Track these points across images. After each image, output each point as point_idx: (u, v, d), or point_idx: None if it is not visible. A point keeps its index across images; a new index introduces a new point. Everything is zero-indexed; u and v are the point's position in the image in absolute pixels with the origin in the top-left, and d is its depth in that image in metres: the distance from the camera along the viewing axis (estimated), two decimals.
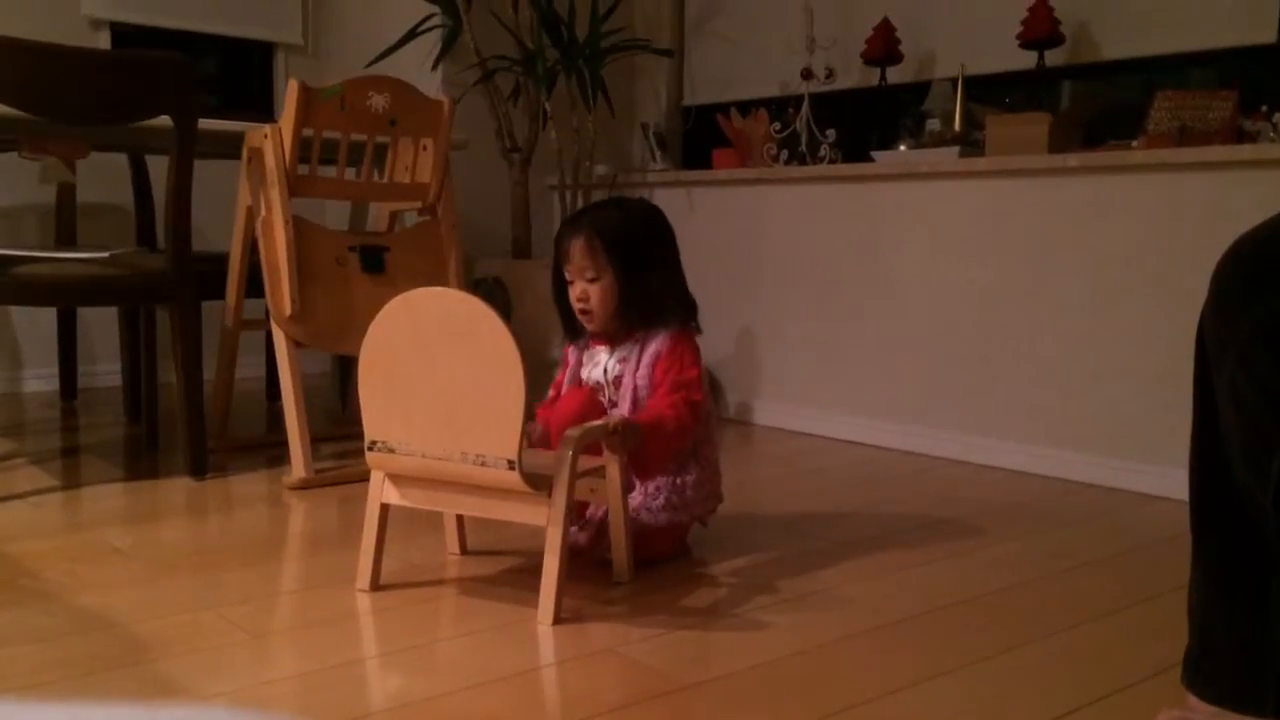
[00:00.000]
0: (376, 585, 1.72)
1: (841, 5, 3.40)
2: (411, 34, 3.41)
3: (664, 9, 3.96)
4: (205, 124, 2.43)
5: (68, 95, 2.23)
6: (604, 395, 1.92)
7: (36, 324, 3.58)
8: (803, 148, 3.33)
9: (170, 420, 2.80)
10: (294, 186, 2.44)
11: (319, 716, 1.27)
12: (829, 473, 2.74)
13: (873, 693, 1.37)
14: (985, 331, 2.83)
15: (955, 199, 2.88)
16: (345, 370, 3.23)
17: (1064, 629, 1.62)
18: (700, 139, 3.89)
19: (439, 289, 1.63)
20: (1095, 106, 2.93)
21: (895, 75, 3.27)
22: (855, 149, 3.27)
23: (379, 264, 2.57)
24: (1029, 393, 2.74)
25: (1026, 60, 2.92)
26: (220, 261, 2.71)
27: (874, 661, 1.48)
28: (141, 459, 2.69)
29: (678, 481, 1.87)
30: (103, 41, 3.71)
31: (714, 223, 3.44)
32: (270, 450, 2.74)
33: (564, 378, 1.99)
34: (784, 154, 3.37)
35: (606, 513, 1.82)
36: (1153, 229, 2.51)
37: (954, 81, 3.00)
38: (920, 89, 3.18)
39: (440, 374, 1.57)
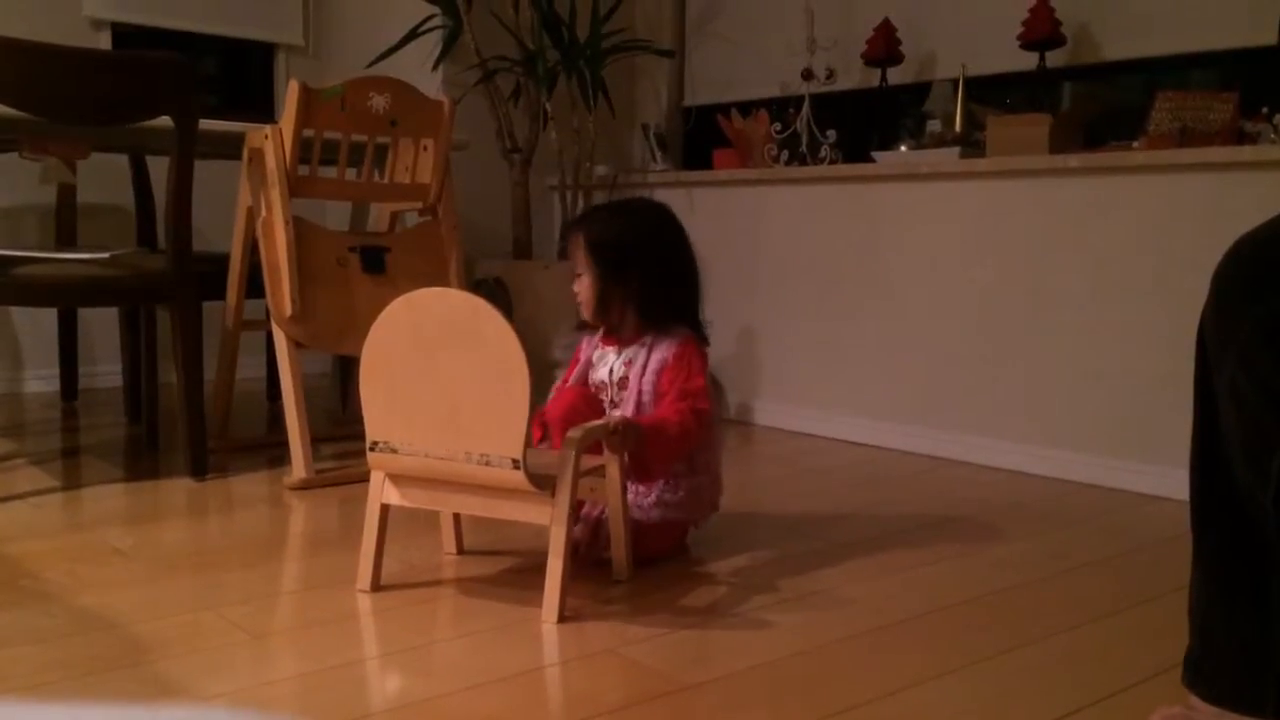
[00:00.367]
0: (377, 586, 1.72)
1: (842, 6, 3.40)
2: (412, 34, 3.41)
3: (665, 10, 3.96)
4: (206, 124, 2.43)
5: (68, 96, 2.23)
6: (607, 396, 1.92)
7: (37, 325, 3.58)
8: (803, 148, 3.33)
9: (171, 421, 2.80)
10: (294, 187, 2.44)
11: (320, 717, 1.27)
12: (829, 473, 2.74)
13: (874, 693, 1.37)
14: (986, 332, 2.83)
15: (956, 200, 2.88)
16: (345, 371, 3.23)
17: (1065, 629, 1.62)
18: (701, 139, 3.89)
19: (441, 289, 1.63)
20: (1096, 107, 2.93)
21: (896, 76, 3.27)
22: (856, 150, 3.27)
23: (380, 264, 2.57)
24: (1029, 393, 2.74)
25: (1027, 61, 2.92)
26: (221, 262, 2.71)
27: (875, 662, 1.48)
28: (142, 459, 2.69)
29: (671, 482, 1.88)
30: (104, 42, 3.72)
31: (714, 223, 3.44)
32: (271, 451, 2.74)
33: (571, 374, 1.99)
34: (784, 154, 3.37)
35: (603, 512, 1.82)
36: (1153, 230, 2.51)
37: (955, 82, 3.00)
38: (921, 90, 3.18)
39: (443, 374, 1.57)
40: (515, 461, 1.54)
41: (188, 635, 1.51)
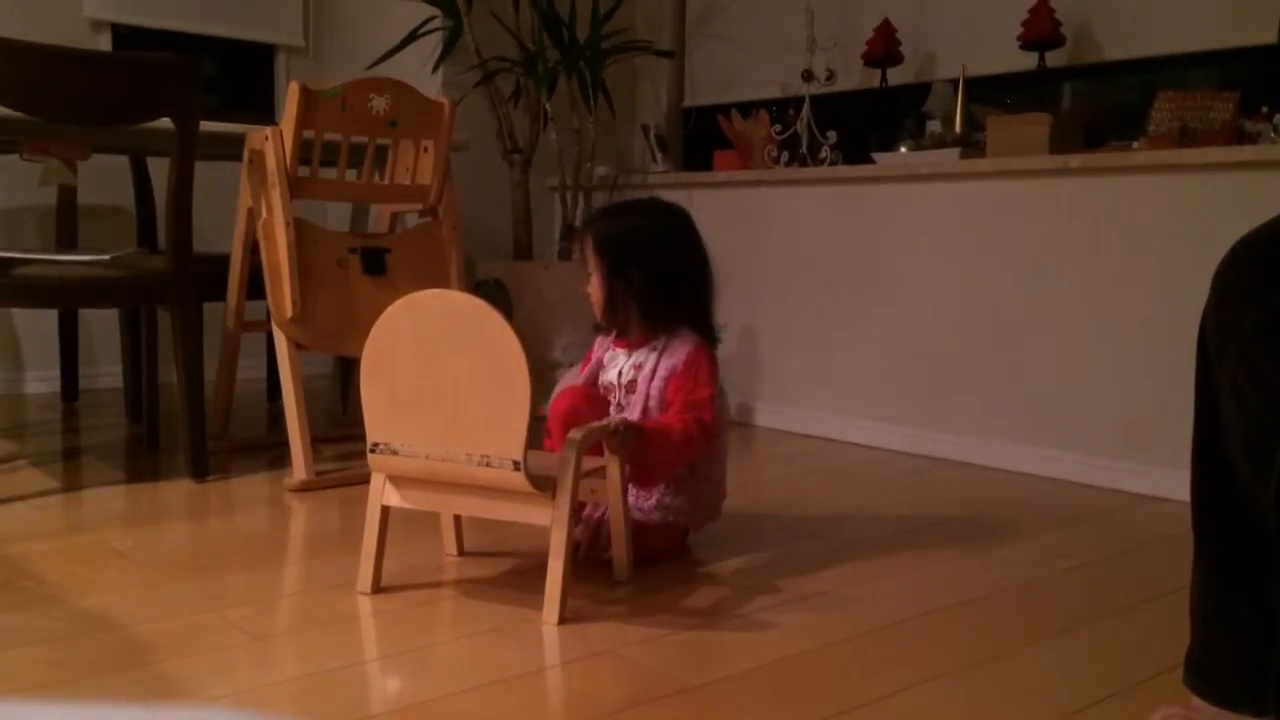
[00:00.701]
0: (377, 587, 1.72)
1: (842, 7, 3.40)
2: (412, 36, 3.41)
3: (665, 10, 3.97)
4: (206, 126, 2.43)
5: (69, 97, 2.23)
6: (615, 398, 1.92)
7: (37, 326, 3.58)
8: (803, 149, 3.33)
9: (171, 422, 2.81)
10: (295, 188, 2.44)
11: (321, 719, 1.27)
12: (830, 473, 2.74)
13: (875, 694, 1.37)
14: (986, 332, 2.83)
15: (956, 200, 2.88)
16: (346, 372, 3.23)
17: (1066, 630, 1.62)
18: (701, 140, 3.89)
19: (442, 290, 1.63)
20: (1096, 107, 2.93)
21: (896, 76, 3.27)
22: (856, 150, 3.27)
23: (380, 265, 2.57)
24: (1030, 394, 2.74)
25: (1027, 61, 2.92)
26: (221, 263, 2.71)
27: (877, 663, 1.48)
28: (142, 461, 2.69)
29: (672, 486, 1.88)
30: (104, 43, 3.72)
31: (715, 224, 3.41)
32: (271, 452, 2.75)
33: (584, 370, 1.99)
34: (785, 155, 3.37)
35: (604, 513, 1.82)
36: (1154, 230, 2.51)
37: (955, 83, 3.00)
38: (921, 90, 3.18)
39: (444, 375, 1.57)
40: (516, 463, 1.54)
41: (188, 637, 1.51)
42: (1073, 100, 3.02)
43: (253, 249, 2.59)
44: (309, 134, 2.43)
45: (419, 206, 2.73)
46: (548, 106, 3.48)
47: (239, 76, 4.16)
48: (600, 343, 2.01)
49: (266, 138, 2.43)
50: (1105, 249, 2.59)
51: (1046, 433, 2.71)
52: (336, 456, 2.70)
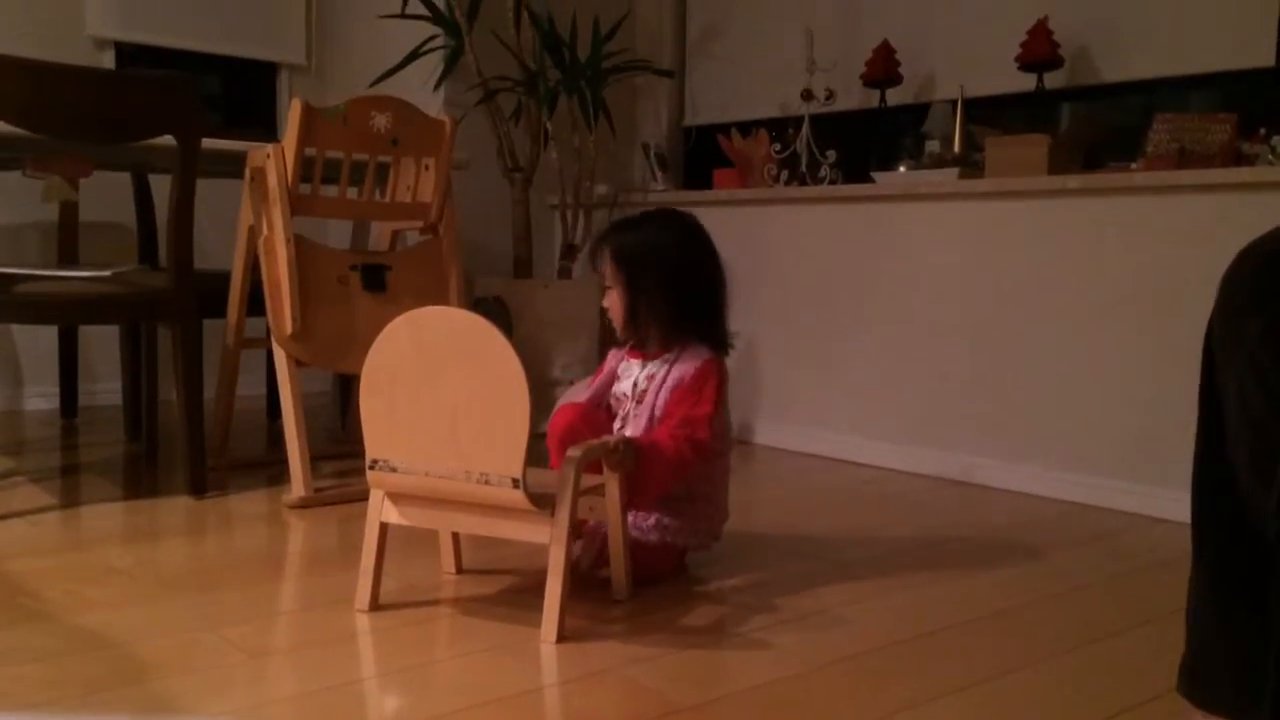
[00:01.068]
0: (375, 605, 1.71)
1: (841, 27, 3.42)
2: (414, 54, 3.42)
3: (665, 30, 3.99)
4: (208, 143, 2.44)
5: (72, 114, 2.24)
6: (626, 408, 1.92)
7: (37, 342, 3.58)
8: (803, 168, 3.34)
9: (170, 438, 2.81)
10: (296, 205, 2.45)
11: None
12: (829, 492, 2.73)
13: (873, 714, 1.36)
14: (985, 352, 2.83)
15: (955, 220, 2.89)
16: (345, 389, 3.23)
17: (1064, 651, 1.62)
18: (701, 159, 3.90)
19: (442, 308, 1.63)
20: (1095, 128, 2.94)
21: (895, 97, 3.29)
22: (855, 170, 3.28)
23: (380, 283, 2.57)
24: (1029, 414, 2.74)
25: (1026, 82, 2.94)
26: (222, 280, 2.71)
27: (875, 683, 1.48)
28: (141, 477, 2.69)
29: (672, 507, 1.88)
30: (107, 61, 3.73)
31: (715, 243, 3.44)
32: (270, 469, 2.74)
33: (597, 380, 1.99)
34: (784, 174, 3.38)
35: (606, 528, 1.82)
36: (1153, 250, 2.52)
37: (953, 103, 3.02)
38: (920, 110, 3.20)
39: (444, 392, 1.57)
40: (515, 480, 1.54)
41: (186, 655, 1.50)
42: (1071, 121, 3.04)
43: (253, 266, 2.60)
44: (310, 151, 2.43)
45: (420, 224, 2.74)
46: (548, 125, 3.49)
47: (241, 94, 4.18)
48: (614, 354, 2.00)
49: (268, 155, 2.44)
50: (1103, 269, 2.60)
51: (1045, 453, 2.71)
52: (335, 473, 2.70)
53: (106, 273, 2.43)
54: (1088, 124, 2.97)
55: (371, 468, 1.66)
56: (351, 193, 2.63)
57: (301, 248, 2.45)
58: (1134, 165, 2.61)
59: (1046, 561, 2.11)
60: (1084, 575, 2.02)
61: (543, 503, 1.57)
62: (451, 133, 2.65)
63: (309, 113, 2.39)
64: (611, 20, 3.56)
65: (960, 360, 2.88)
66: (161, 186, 2.62)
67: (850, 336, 3.14)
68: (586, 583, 1.84)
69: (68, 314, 2.57)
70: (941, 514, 2.51)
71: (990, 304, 2.82)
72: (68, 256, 3.29)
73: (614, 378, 1.97)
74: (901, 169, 3.06)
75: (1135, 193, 2.54)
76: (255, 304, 2.64)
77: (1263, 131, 2.47)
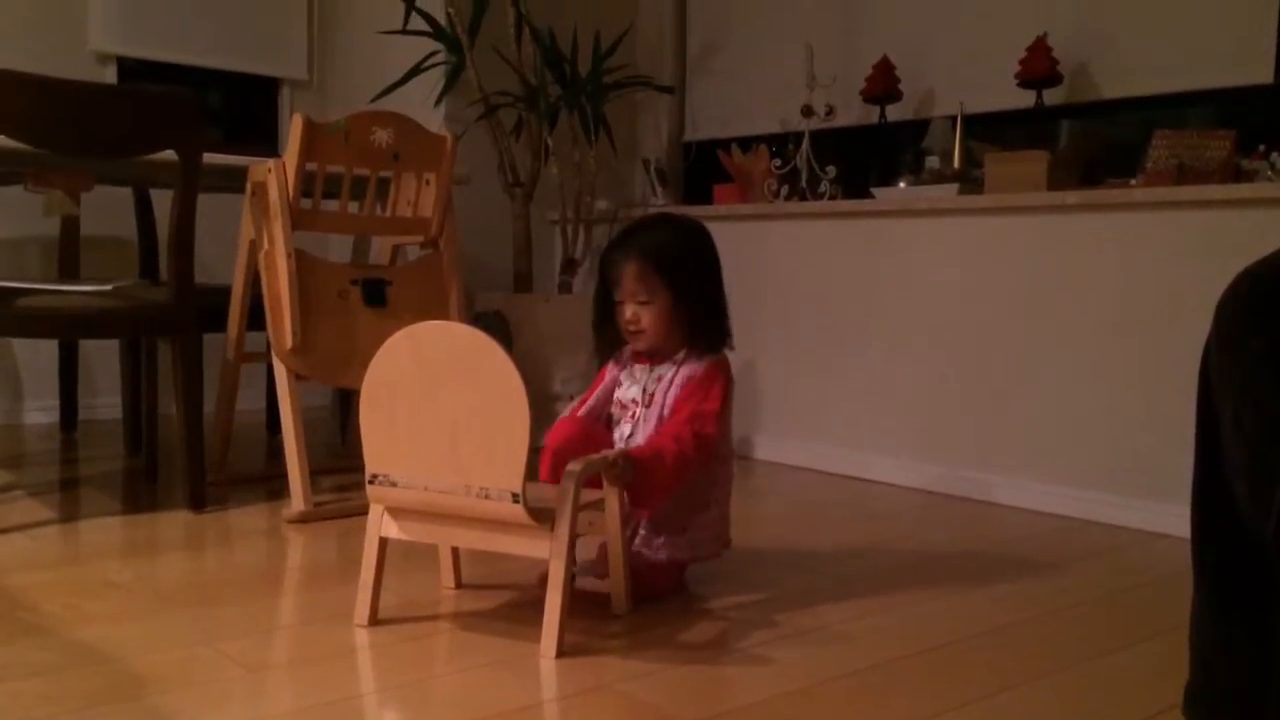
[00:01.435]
0: (375, 620, 1.71)
1: (841, 43, 3.43)
2: (415, 70, 3.43)
3: (666, 46, 4.00)
4: (209, 158, 2.45)
5: (74, 129, 2.24)
6: (634, 413, 1.91)
7: (37, 356, 3.58)
8: (803, 184, 3.35)
9: (170, 453, 2.80)
10: (297, 220, 2.45)
11: None
12: (829, 507, 2.73)
13: None
14: (985, 368, 2.83)
15: (955, 236, 2.89)
16: (345, 403, 3.23)
17: (1066, 667, 1.61)
18: (701, 174, 3.91)
19: (443, 322, 1.63)
20: (1094, 145, 2.95)
21: (895, 113, 3.30)
22: (855, 186, 3.29)
23: (381, 297, 2.58)
24: (1029, 429, 2.74)
25: (1025, 99, 2.95)
26: (222, 294, 2.71)
27: (874, 700, 1.47)
28: (141, 492, 2.68)
29: (679, 520, 1.87)
30: (109, 76, 3.75)
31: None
32: (270, 483, 2.74)
33: (591, 396, 1.98)
34: (784, 190, 3.39)
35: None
36: (1152, 266, 2.52)
37: (953, 119, 3.03)
38: (919, 126, 3.21)
39: (444, 407, 1.57)
40: (515, 495, 1.54)
41: (184, 670, 1.50)
42: (1070, 138, 3.05)
43: (254, 280, 2.60)
44: (311, 166, 2.44)
45: (420, 239, 2.74)
46: (549, 140, 3.50)
47: (243, 109, 4.20)
48: (614, 364, 1.99)
49: (269, 170, 2.44)
50: (1103, 285, 2.60)
51: (1045, 468, 2.70)
52: (335, 488, 2.70)
53: (107, 287, 2.43)
54: (1087, 140, 2.98)
55: (371, 482, 1.65)
56: (352, 207, 2.63)
57: (302, 262, 2.45)
58: (1133, 181, 2.62)
59: (1047, 577, 2.11)
60: (1084, 591, 2.02)
61: (542, 517, 1.57)
62: (452, 148, 2.66)
63: (310, 128, 2.40)
64: (612, 36, 3.58)
65: (960, 375, 2.88)
66: (163, 201, 2.62)
67: (850, 352, 3.14)
68: (586, 598, 1.83)
69: (68, 328, 2.57)
70: (941, 529, 2.51)
71: (990, 319, 2.82)
72: (69, 271, 3.29)
73: (614, 388, 1.97)
74: (901, 185, 3.06)
75: (1134, 209, 2.55)
76: (255, 318, 2.64)
77: (1261, 148, 2.48)
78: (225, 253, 2.95)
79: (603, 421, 1.97)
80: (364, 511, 1.74)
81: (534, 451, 1.56)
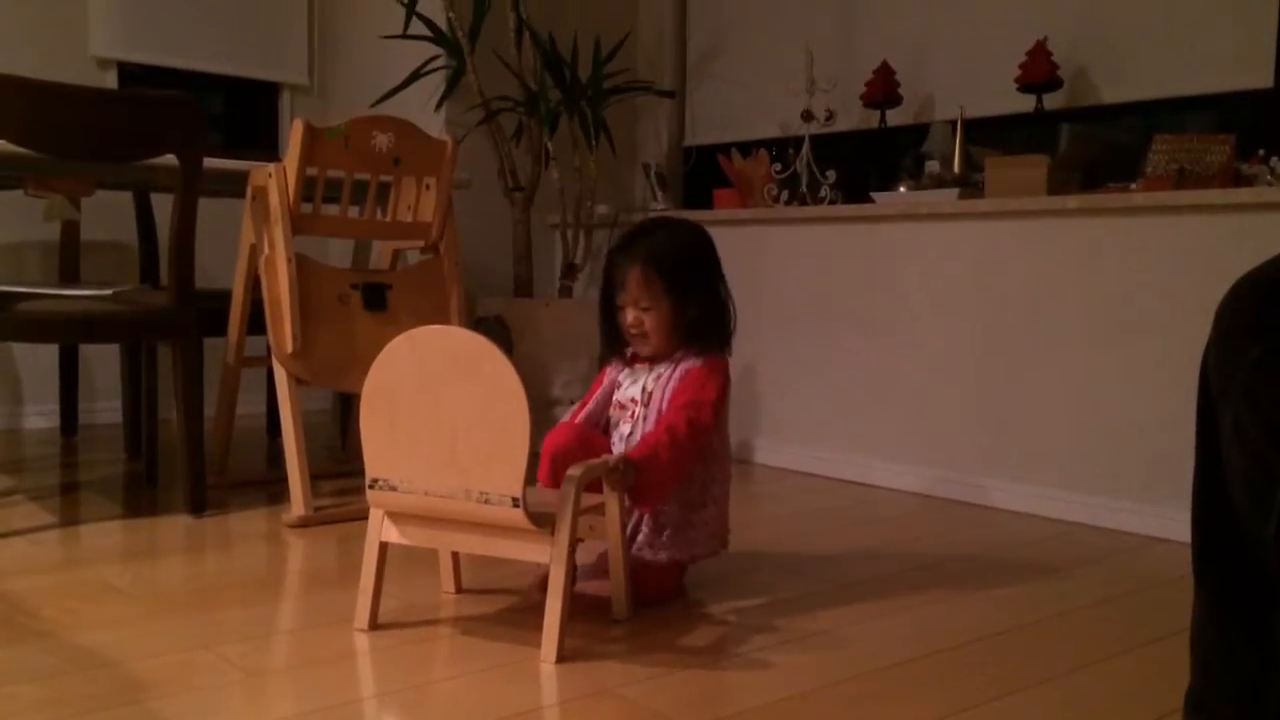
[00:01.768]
0: (375, 624, 1.71)
1: (841, 48, 3.43)
2: (416, 75, 3.44)
3: (666, 51, 4.01)
4: (210, 163, 2.45)
5: (75, 134, 2.25)
6: (635, 412, 1.91)
7: (37, 360, 3.58)
8: (803, 188, 3.35)
9: (170, 457, 2.80)
10: (297, 224, 2.45)
11: None
12: (829, 512, 2.73)
13: None
14: (985, 372, 2.83)
15: (955, 240, 2.90)
16: (346, 407, 3.23)
17: (1065, 672, 1.61)
18: (701, 179, 3.92)
19: (443, 327, 1.63)
20: (1093, 149, 2.95)
21: (895, 117, 3.30)
22: (855, 190, 3.29)
23: (381, 302, 2.58)
24: (1029, 434, 2.74)
25: (1025, 103, 2.95)
26: (223, 299, 2.72)
27: (874, 704, 1.47)
28: (141, 496, 2.68)
29: (681, 517, 1.87)
30: (110, 81, 3.75)
31: None
32: (270, 487, 2.74)
33: (590, 398, 1.99)
34: (784, 194, 3.39)
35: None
36: (1152, 271, 2.52)
37: (953, 124, 3.03)
38: (919, 131, 3.21)
39: (444, 411, 1.57)
40: (515, 499, 1.54)
41: (184, 674, 1.50)
42: (1070, 142, 3.05)
43: (254, 285, 2.60)
44: (312, 171, 2.44)
45: (420, 243, 2.75)
46: (549, 145, 3.51)
47: (244, 114, 4.20)
48: (614, 366, 2.00)
49: (270, 174, 2.44)
50: (1103, 290, 2.60)
51: (1045, 472, 2.70)
52: (335, 492, 2.70)
53: (108, 291, 2.43)
54: (1087, 145, 2.99)
55: (371, 487, 1.65)
56: (353, 212, 2.63)
57: (302, 266, 2.45)
58: (1133, 186, 2.62)
59: (1048, 581, 2.11)
60: (1085, 595, 2.02)
61: (543, 522, 1.57)
62: (453, 152, 2.66)
63: (311, 132, 2.40)
64: (612, 41, 3.58)
65: (960, 380, 2.88)
66: (163, 205, 2.63)
67: (850, 356, 3.14)
68: (586, 602, 1.83)
69: (69, 333, 2.57)
70: (942, 534, 2.50)
71: (990, 323, 2.82)
72: (69, 275, 3.29)
73: (613, 390, 1.97)
74: (901, 189, 3.06)
75: (1134, 213, 2.55)
76: (256, 322, 2.64)
77: (1261, 152, 2.48)
78: (226, 257, 2.95)
79: (600, 427, 1.98)
80: (364, 516, 1.74)
81: (533, 457, 1.56)
